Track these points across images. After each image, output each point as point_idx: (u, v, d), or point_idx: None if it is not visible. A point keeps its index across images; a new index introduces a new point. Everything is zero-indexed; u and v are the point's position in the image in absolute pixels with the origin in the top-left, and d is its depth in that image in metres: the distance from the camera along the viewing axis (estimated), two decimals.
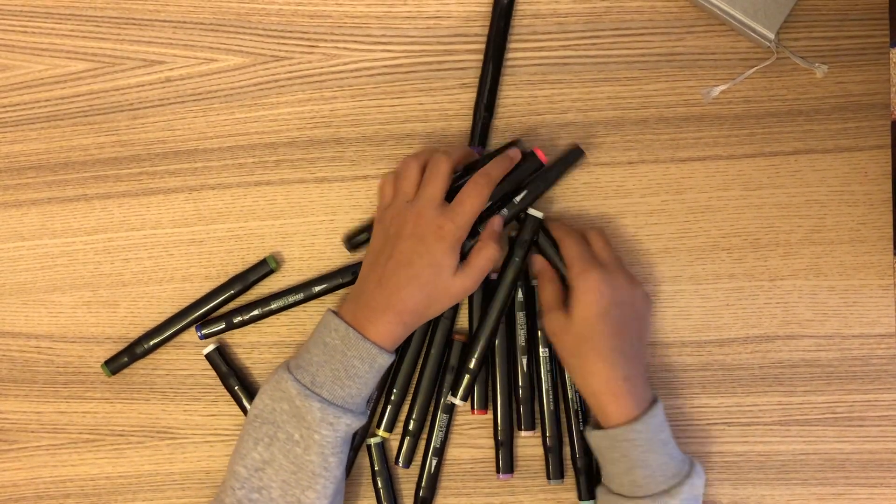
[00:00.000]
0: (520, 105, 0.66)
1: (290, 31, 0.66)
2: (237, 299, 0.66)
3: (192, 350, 0.67)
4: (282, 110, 0.66)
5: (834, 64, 0.65)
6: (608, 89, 0.65)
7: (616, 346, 0.58)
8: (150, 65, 0.67)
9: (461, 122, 0.66)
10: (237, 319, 0.65)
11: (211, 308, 0.65)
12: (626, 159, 0.65)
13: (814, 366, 0.65)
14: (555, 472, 0.64)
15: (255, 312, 0.65)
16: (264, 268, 0.65)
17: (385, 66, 0.66)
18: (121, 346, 0.66)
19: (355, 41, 0.66)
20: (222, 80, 0.66)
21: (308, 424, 0.57)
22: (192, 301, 0.66)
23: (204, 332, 0.65)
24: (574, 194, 0.65)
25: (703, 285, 0.65)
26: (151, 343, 0.65)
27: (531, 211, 0.63)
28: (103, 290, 0.67)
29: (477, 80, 0.65)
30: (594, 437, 0.59)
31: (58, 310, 0.67)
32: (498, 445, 0.64)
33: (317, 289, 0.65)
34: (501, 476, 0.64)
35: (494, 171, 0.61)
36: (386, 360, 0.59)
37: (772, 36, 0.63)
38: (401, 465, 0.65)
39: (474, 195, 0.59)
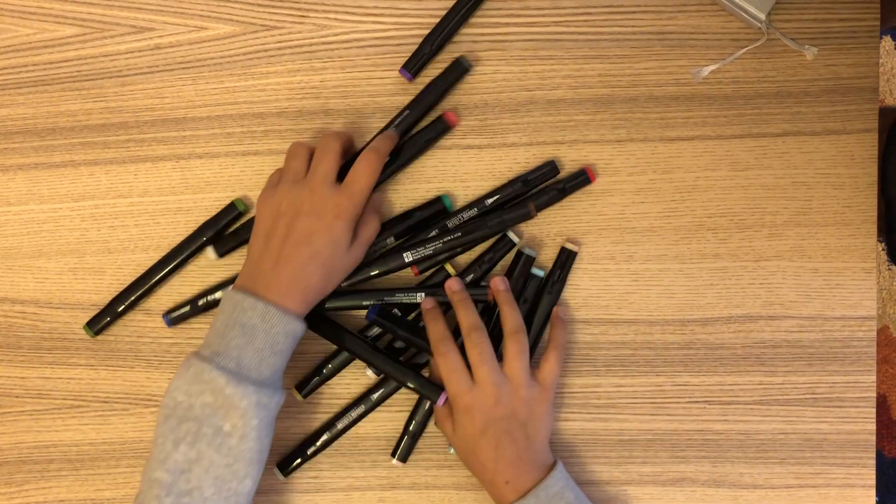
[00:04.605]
0: (510, 80, 0.65)
1: (281, 1, 0.66)
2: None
3: None
4: (271, 80, 0.66)
5: (824, 47, 0.65)
6: (599, 67, 0.65)
7: (498, 456, 0.60)
8: (139, 31, 0.66)
9: (452, 96, 0.66)
10: (201, 302, 0.65)
11: (186, 256, 0.65)
12: (615, 137, 0.65)
13: (795, 346, 0.65)
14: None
15: (217, 296, 0.65)
16: (232, 211, 0.65)
17: (376, 38, 0.66)
18: None
19: (346, 12, 0.66)
20: (212, 49, 0.66)
21: (242, 412, 0.55)
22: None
23: (172, 316, 0.66)
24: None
25: (688, 264, 0.66)
26: (131, 298, 0.65)
27: (526, 250, 0.64)
28: (89, 256, 0.67)
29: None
30: None
31: (43, 275, 0.67)
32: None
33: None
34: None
35: (383, 146, 0.62)
36: (303, 330, 0.59)
37: (763, 17, 0.63)
38: (396, 459, 0.65)
39: (367, 171, 0.60)
